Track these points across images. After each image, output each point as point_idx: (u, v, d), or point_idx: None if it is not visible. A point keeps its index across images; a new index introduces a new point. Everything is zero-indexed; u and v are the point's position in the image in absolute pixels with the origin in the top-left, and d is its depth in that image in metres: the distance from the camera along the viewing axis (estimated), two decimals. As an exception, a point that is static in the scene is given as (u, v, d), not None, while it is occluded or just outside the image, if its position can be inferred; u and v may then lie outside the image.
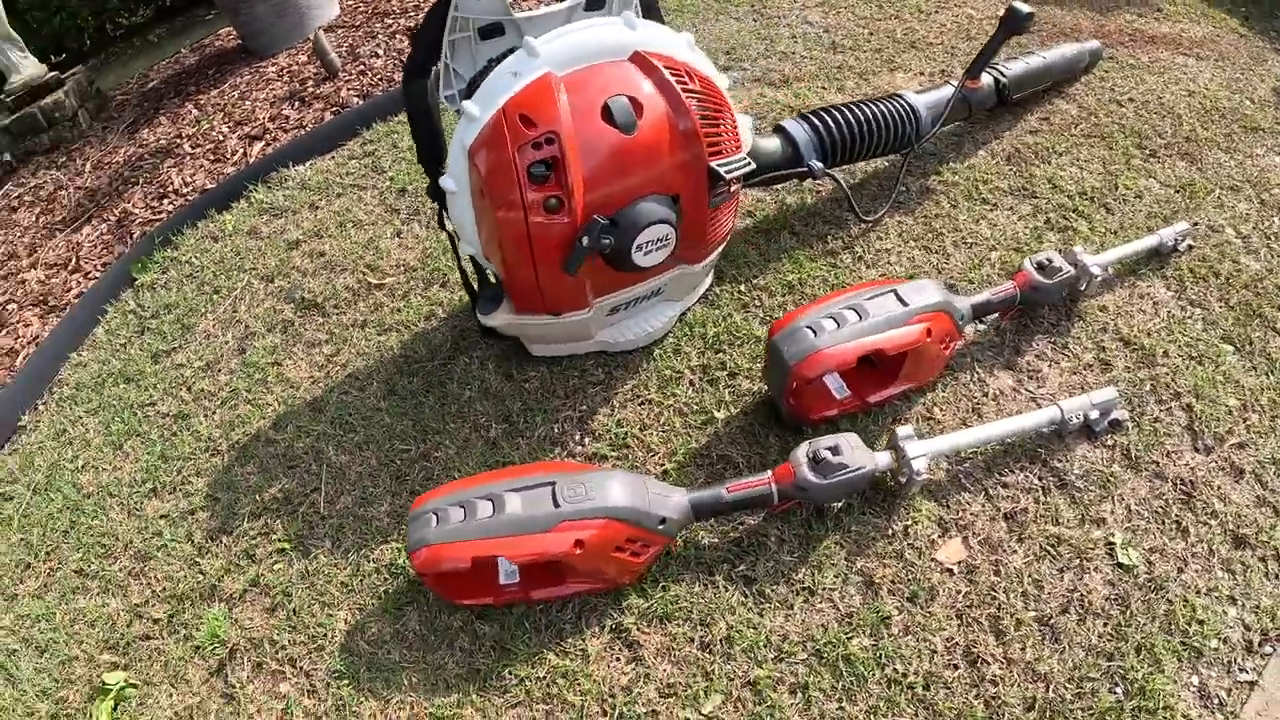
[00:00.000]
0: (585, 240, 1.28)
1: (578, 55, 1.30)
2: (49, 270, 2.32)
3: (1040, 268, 1.52)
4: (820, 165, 1.71)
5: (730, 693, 1.18)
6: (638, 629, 1.26)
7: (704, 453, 1.47)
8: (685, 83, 1.31)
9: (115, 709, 1.37)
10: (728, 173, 1.34)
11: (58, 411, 1.90)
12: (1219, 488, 1.32)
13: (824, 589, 1.26)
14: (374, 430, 1.66)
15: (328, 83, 2.80)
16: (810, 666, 1.18)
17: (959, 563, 1.26)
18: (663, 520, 1.21)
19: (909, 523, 1.31)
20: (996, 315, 1.57)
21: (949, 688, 1.14)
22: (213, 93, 3.08)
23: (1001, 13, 1.81)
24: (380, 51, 2.94)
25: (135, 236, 2.33)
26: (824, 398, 1.40)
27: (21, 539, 1.65)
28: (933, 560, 1.27)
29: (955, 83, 1.94)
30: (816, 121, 1.74)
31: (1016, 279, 1.54)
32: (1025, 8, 1.78)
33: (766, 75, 2.49)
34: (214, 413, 1.80)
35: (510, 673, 1.25)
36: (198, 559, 1.54)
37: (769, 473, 1.25)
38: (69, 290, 2.22)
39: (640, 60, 1.31)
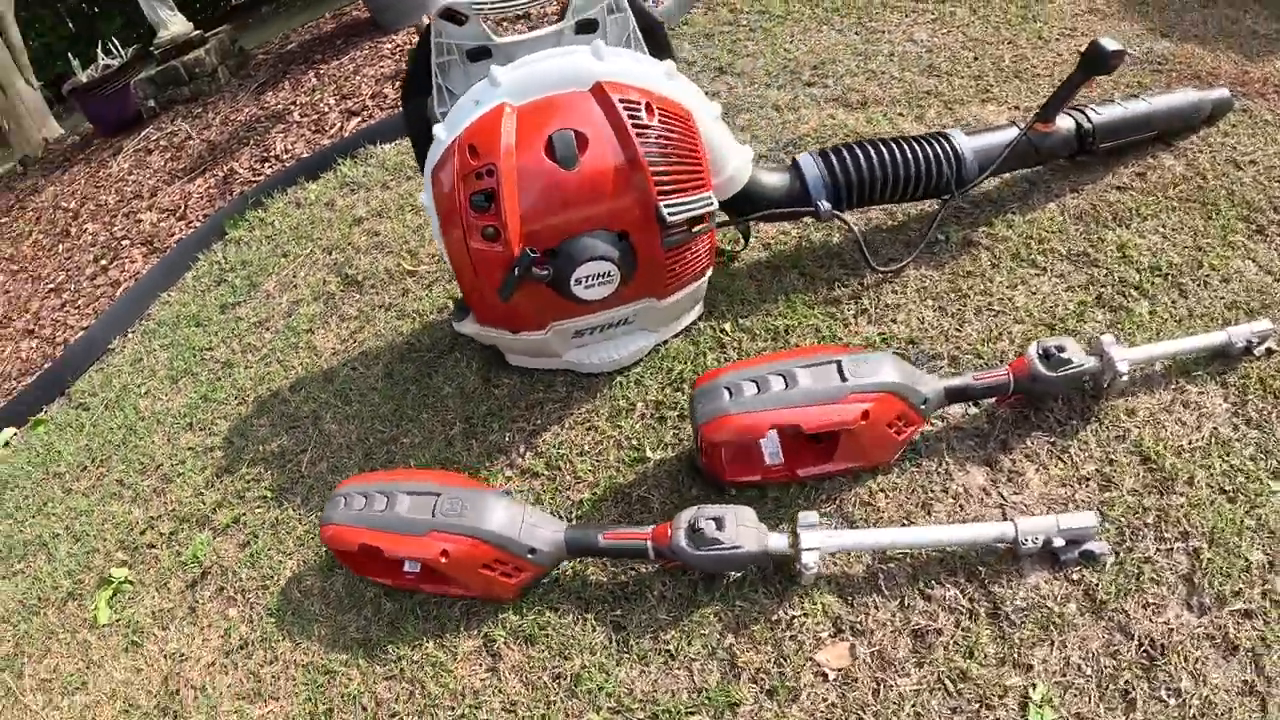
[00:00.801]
0: (516, 271, 1.30)
1: (538, 85, 1.31)
2: (161, 214, 2.72)
3: (1045, 356, 1.31)
4: (828, 206, 1.59)
5: (560, 729, 1.18)
6: (504, 643, 1.30)
7: (626, 490, 1.45)
8: (638, 117, 1.27)
9: (112, 598, 1.64)
10: (673, 214, 1.29)
11: (139, 342, 2.25)
12: (1197, 660, 1.09)
13: (685, 657, 1.20)
14: (364, 407, 1.81)
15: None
16: (645, 732, 1.15)
17: (839, 670, 1.15)
18: (532, 550, 1.24)
19: (799, 613, 1.21)
20: (994, 400, 1.39)
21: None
22: (333, 64, 3.37)
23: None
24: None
25: (234, 194, 2.66)
26: (745, 462, 1.32)
27: (86, 445, 1.99)
28: (810, 659, 1.17)
29: (1021, 124, 1.71)
30: (834, 158, 1.61)
31: (1013, 364, 1.34)
32: (1112, 44, 1.53)
33: (845, 95, 2.33)
34: (252, 366, 2.04)
35: (393, 649, 1.35)
36: (203, 490, 1.78)
37: (650, 529, 1.23)
38: (172, 235, 2.59)
39: (598, 92, 1.29)
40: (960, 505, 1.31)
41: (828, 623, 1.20)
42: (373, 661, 1.34)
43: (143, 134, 3.43)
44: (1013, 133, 1.70)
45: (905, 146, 1.63)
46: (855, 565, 1.26)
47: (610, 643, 1.25)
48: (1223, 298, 1.51)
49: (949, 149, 1.64)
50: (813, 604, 1.22)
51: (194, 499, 1.77)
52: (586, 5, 1.37)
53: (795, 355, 1.29)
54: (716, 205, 1.36)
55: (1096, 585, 1.17)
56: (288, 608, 1.48)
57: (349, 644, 1.38)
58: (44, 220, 3.07)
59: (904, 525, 1.28)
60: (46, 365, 2.27)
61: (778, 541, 1.18)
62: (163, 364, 2.14)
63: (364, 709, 1.29)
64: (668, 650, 1.22)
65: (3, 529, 1.89)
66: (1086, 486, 1.29)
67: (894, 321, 1.61)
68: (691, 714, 1.15)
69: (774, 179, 1.61)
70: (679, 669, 1.20)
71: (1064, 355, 1.30)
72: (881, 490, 1.34)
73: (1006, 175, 1.84)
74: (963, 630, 1.16)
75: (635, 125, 1.27)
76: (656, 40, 1.50)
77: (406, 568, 1.37)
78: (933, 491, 1.33)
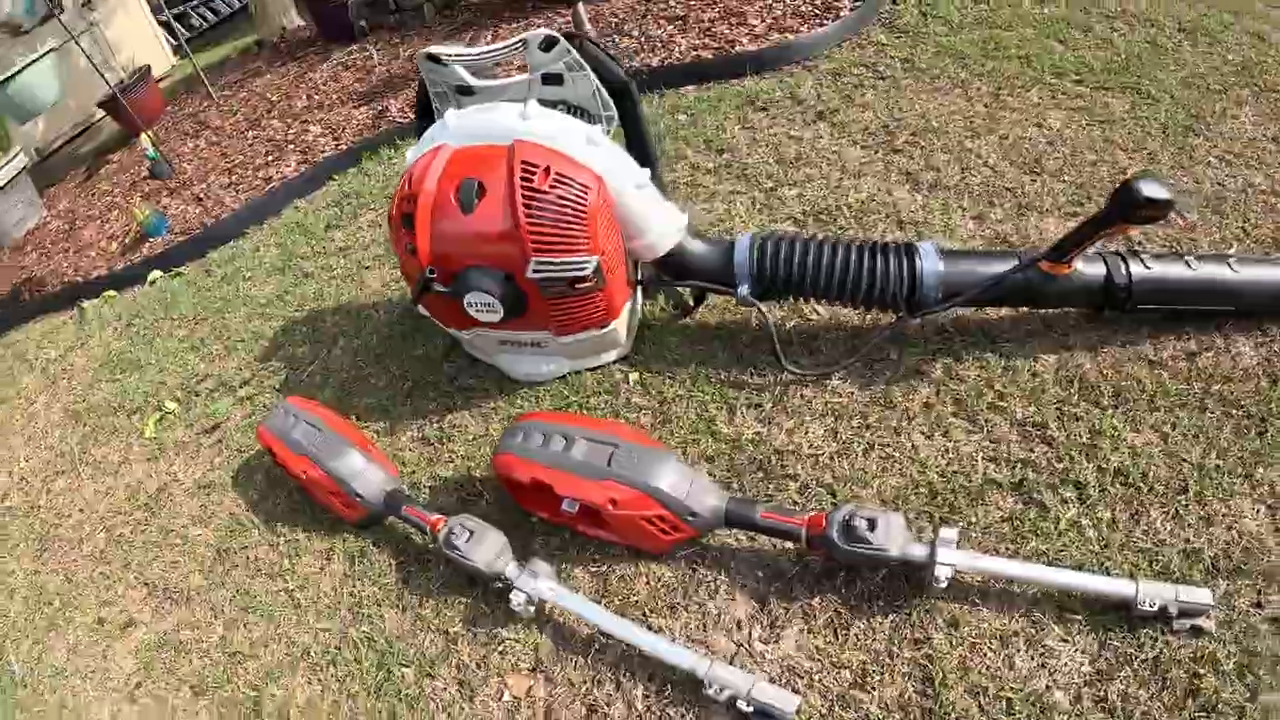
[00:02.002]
0: (420, 284, 1.50)
1: (475, 134, 1.48)
2: (324, 130, 3.26)
3: (846, 524, 1.21)
4: (745, 292, 1.57)
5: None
6: (340, 556, 1.61)
7: (472, 483, 1.64)
8: (530, 181, 1.38)
9: (159, 421, 2.21)
10: (537, 273, 1.40)
11: (264, 235, 2.83)
12: None
13: (431, 627, 1.40)
14: (363, 344, 2.16)
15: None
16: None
17: (514, 696, 1.30)
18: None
19: (514, 639, 1.33)
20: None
21: None
22: (513, 26, 3.63)
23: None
24: (636, 33, 3.22)
25: (380, 129, 3.12)
26: (541, 498, 1.42)
27: (195, 303, 2.62)
28: (500, 676, 1.29)
29: (1028, 255, 1.50)
30: (769, 248, 1.57)
31: (812, 518, 1.26)
32: (1154, 190, 1.26)
33: (920, 173, 2.14)
34: (320, 282, 2.49)
35: (281, 525, 1.74)
36: (242, 367, 2.28)
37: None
38: (323, 152, 3.12)
39: (510, 151, 1.42)
40: (703, 625, 1.31)
41: (530, 657, 1.33)
42: (270, 530, 1.76)
43: (348, 50, 3.99)
44: (1007, 265, 1.50)
45: (853, 253, 1.53)
46: (583, 627, 1.34)
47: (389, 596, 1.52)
48: (1188, 541, 1.24)
49: (904, 267, 1.51)
50: (529, 637, 1.35)
51: (235, 371, 2.27)
52: (544, 63, 1.49)
53: (594, 426, 1.36)
54: (592, 270, 1.43)
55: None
56: (246, 472, 1.93)
57: (267, 513, 1.80)
58: (250, 104, 3.81)
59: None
60: (197, 231, 2.96)
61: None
62: (270, 258, 2.69)
63: (250, 561, 1.71)
64: (424, 615, 1.46)
65: (121, 345, 2.59)
66: (837, 676, 1.21)
67: (777, 427, 1.56)
68: (405, 666, 1.39)
69: (705, 251, 1.61)
70: (425, 632, 1.44)
71: (866, 533, 1.19)
72: (644, 575, 1.38)
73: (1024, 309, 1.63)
74: (627, 732, 1.21)
75: (525, 188, 1.39)
76: (626, 99, 1.57)
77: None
78: (688, 600, 1.34)
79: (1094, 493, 1.33)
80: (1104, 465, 1.36)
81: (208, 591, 1.69)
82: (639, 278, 1.68)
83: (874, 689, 1.18)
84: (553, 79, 1.53)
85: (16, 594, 1.92)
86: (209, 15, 6.97)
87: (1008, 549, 1.29)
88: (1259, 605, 1.15)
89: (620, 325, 1.66)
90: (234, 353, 2.35)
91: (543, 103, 1.57)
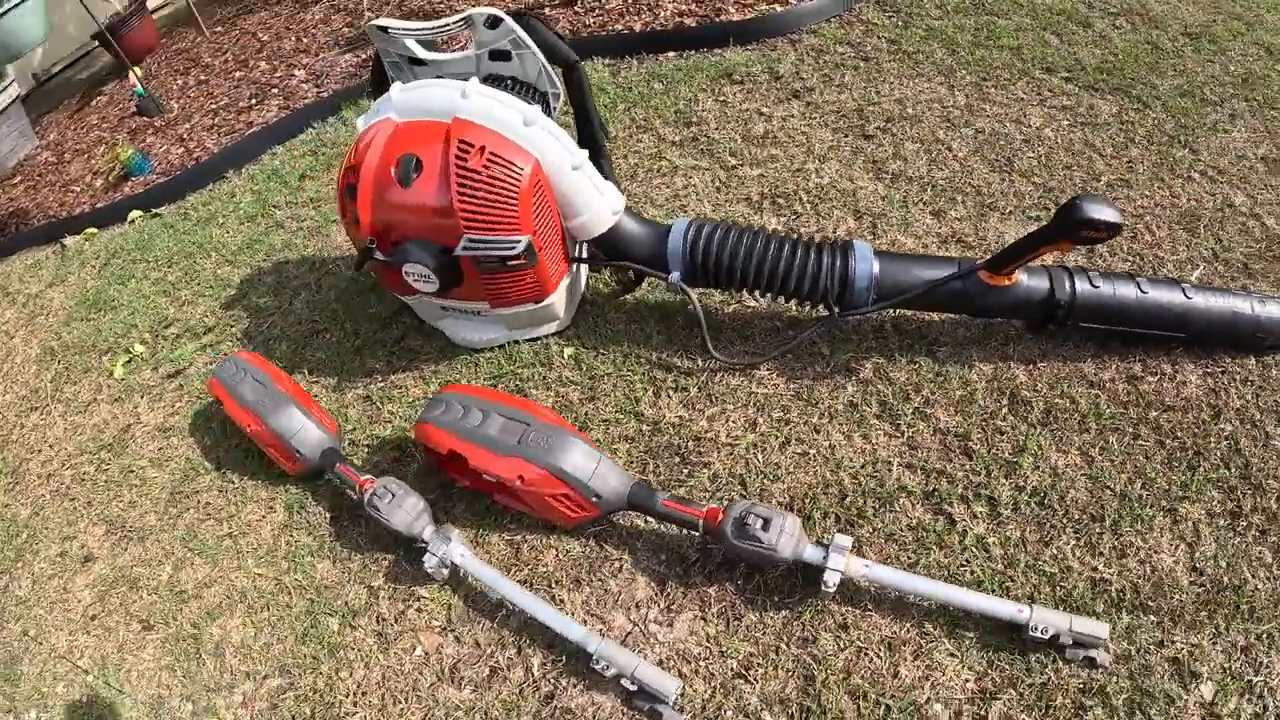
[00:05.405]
0: (361, 252, 1.53)
1: (417, 109, 1.49)
2: (308, 76, 3.22)
3: (740, 521, 1.25)
4: (676, 277, 1.59)
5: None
6: (282, 505, 1.71)
7: (403, 445, 1.71)
8: (464, 160, 1.40)
9: (127, 363, 2.28)
10: (467, 250, 1.43)
11: (241, 181, 2.85)
12: None
13: (357, 579, 1.50)
14: (323, 299, 2.20)
15: (564, 8, 3.11)
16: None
17: (424, 650, 1.38)
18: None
19: (429, 599, 1.41)
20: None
21: None
22: None
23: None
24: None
25: (363, 79, 3.07)
26: (460, 467, 1.47)
27: (169, 246, 2.66)
28: (414, 631, 1.40)
29: (966, 264, 1.50)
30: (704, 235, 1.58)
31: (710, 510, 1.31)
32: (1100, 211, 1.24)
33: (887, 162, 2.13)
34: (289, 234, 2.52)
35: (229, 472, 1.81)
36: (208, 314, 2.33)
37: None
38: (304, 98, 3.09)
39: (447, 129, 1.43)
40: (604, 602, 1.38)
41: (443, 616, 1.42)
42: (220, 477, 1.84)
43: None
44: (945, 271, 1.51)
45: (786, 247, 1.55)
46: (493, 593, 1.42)
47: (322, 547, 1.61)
48: (1095, 570, 1.26)
49: (837, 265, 1.52)
50: (443, 597, 1.44)
51: (201, 317, 2.33)
52: (490, 40, 1.48)
53: (510, 404, 1.42)
54: (522, 249, 1.45)
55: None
56: (203, 418, 2.00)
57: (219, 460, 1.88)
58: (240, 43, 3.71)
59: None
60: (179, 173, 2.97)
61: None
62: (245, 205, 2.71)
63: (201, 505, 1.79)
64: (351, 568, 1.55)
65: (98, 284, 2.65)
66: (723, 664, 1.27)
67: (699, 413, 1.60)
68: (330, 616, 1.49)
69: (639, 233, 1.63)
70: (351, 584, 1.53)
71: (758, 531, 1.23)
72: (554, 549, 1.45)
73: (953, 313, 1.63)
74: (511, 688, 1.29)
75: (459, 167, 1.40)
76: (572, 78, 1.57)
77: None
78: (592, 576, 1.41)
79: (1006, 511, 1.35)
80: (1021, 484, 1.38)
81: (160, 532, 1.79)
82: (580, 254, 1.70)
83: (757, 681, 1.24)
84: (500, 55, 1.53)
85: (-11, 524, 2.03)
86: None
87: (909, 558, 1.32)
88: (1161, 644, 1.17)
89: (558, 300, 1.69)
90: (201, 299, 2.40)
91: (491, 79, 1.57)
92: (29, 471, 2.11)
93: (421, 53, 1.57)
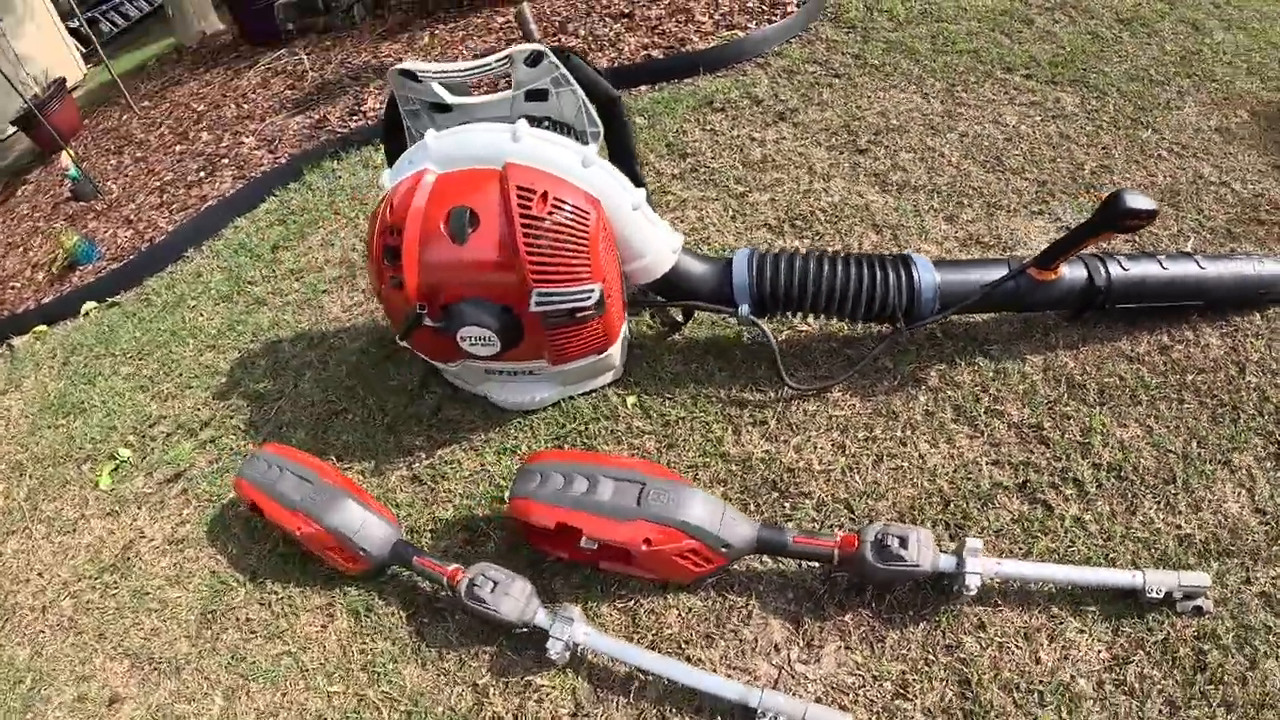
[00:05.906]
0: (409, 321, 1.43)
1: (460, 157, 1.40)
2: (259, 142, 3.05)
3: (880, 544, 1.24)
4: (746, 311, 1.57)
5: None
6: (340, 609, 1.54)
7: (473, 525, 1.59)
8: (528, 207, 1.33)
9: (114, 470, 2.05)
10: (541, 305, 1.35)
11: (205, 258, 2.65)
12: None
13: (456, 680, 1.35)
14: (335, 374, 2.05)
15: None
16: None
17: None
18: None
19: (549, 686, 1.31)
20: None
21: None
22: (449, 26, 3.46)
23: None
24: (583, 32, 3.15)
25: (320, 140, 2.95)
26: (558, 538, 1.39)
27: (137, 336, 2.43)
28: (529, 745, 1.27)
29: (1014, 264, 1.55)
30: (769, 265, 1.57)
31: (844, 539, 1.29)
32: (1140, 201, 1.34)
33: (888, 173, 2.19)
34: (274, 309, 2.35)
35: (271, 583, 1.64)
36: (201, 407, 2.12)
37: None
38: (260, 165, 2.93)
39: (502, 175, 1.36)
40: (742, 652, 1.31)
41: (569, 702, 1.31)
42: (258, 588, 1.64)
43: (276, 54, 3.73)
44: (998, 273, 1.55)
45: (853, 267, 1.55)
46: (619, 666, 1.32)
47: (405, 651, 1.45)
48: (1179, 528, 1.33)
49: (903, 279, 1.54)
50: (564, 681, 1.33)
51: (193, 411, 2.12)
52: (530, 79, 1.42)
53: (612, 464, 1.34)
54: (595, 300, 1.40)
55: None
56: (219, 524, 1.80)
57: (252, 569, 1.68)
58: (174, 116, 3.51)
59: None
60: (132, 256, 2.73)
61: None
62: (215, 284, 2.52)
63: (242, 623, 1.60)
64: (447, 668, 1.41)
65: (61, 386, 2.38)
66: (880, 688, 1.24)
67: (784, 444, 1.58)
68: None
69: (702, 271, 1.60)
70: (451, 686, 1.39)
71: (900, 551, 1.23)
72: (674, 608, 1.37)
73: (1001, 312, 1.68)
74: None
75: (524, 215, 1.33)
76: (613, 114, 1.53)
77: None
78: (723, 629, 1.34)
79: (1092, 489, 1.41)
80: (1098, 461, 1.44)
81: (198, 659, 1.59)
82: (651, 299, 1.65)
83: (916, 697, 1.22)
84: (537, 95, 1.47)
85: (-21, 673, 1.76)
86: (118, 19, 6.35)
87: (1021, 549, 1.35)
88: (1248, 582, 1.26)
89: (616, 349, 1.63)
90: (188, 391, 2.19)
91: (528, 120, 1.51)
92: (19, 605, 1.84)
93: (449, 98, 1.49)
